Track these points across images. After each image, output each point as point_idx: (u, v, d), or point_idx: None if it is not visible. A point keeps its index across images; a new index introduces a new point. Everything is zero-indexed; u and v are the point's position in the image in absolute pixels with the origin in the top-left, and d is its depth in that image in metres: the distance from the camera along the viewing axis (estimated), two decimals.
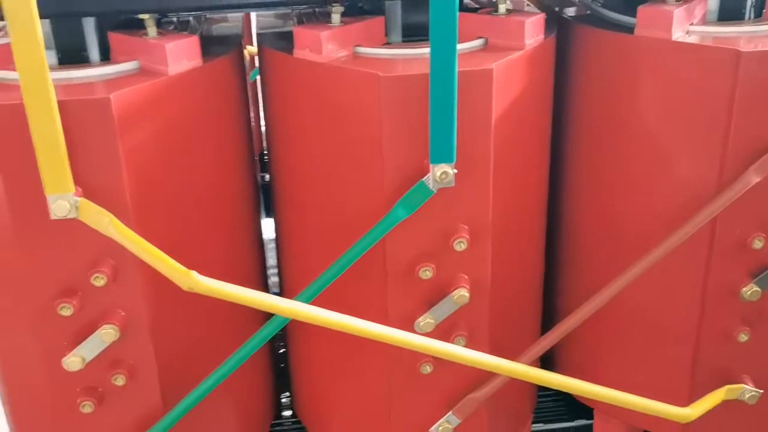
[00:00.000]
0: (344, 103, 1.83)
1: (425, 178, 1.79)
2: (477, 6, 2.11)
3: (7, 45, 1.78)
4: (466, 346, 1.99)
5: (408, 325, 1.94)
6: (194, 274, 1.66)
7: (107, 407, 1.93)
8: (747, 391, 2.15)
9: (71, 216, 1.65)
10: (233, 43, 2.03)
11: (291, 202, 2.10)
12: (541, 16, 1.96)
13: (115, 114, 1.66)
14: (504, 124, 1.85)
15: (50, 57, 1.72)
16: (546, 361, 2.37)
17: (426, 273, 1.91)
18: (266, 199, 2.40)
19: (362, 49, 1.88)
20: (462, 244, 1.89)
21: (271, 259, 2.39)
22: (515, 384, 2.18)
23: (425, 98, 1.70)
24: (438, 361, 2.02)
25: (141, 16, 1.81)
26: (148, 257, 1.66)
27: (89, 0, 1.80)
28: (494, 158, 1.86)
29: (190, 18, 2.11)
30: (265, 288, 2.36)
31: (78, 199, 1.65)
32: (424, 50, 1.82)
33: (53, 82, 1.54)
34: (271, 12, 2.38)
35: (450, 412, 2.11)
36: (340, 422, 2.30)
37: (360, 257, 1.86)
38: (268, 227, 2.35)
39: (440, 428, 2.12)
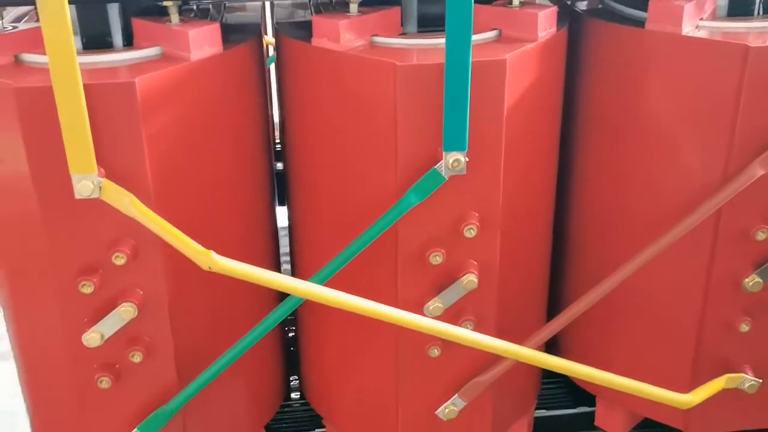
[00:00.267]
0: (360, 91, 1.87)
1: (438, 165, 1.83)
2: None
3: (33, 30, 1.86)
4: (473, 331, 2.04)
5: (417, 310, 1.98)
6: (213, 254, 1.71)
7: (124, 383, 1.98)
8: (747, 380, 2.19)
9: (94, 196, 1.70)
10: (253, 31, 2.07)
11: (305, 188, 2.15)
12: (553, 9, 2.00)
13: (139, 98, 1.70)
14: (516, 114, 1.89)
15: (75, 42, 1.76)
16: (551, 348, 2.41)
17: (436, 258, 1.95)
18: (278, 188, 2.45)
19: (379, 39, 1.92)
20: (472, 231, 1.93)
21: (283, 247, 2.44)
22: (520, 370, 2.23)
23: (440, 87, 1.74)
24: (445, 345, 2.07)
25: (164, 3, 1.85)
26: (169, 237, 1.72)
27: None
28: (505, 147, 1.90)
29: (210, 6, 2.16)
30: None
31: (101, 179, 1.70)
32: (440, 40, 1.86)
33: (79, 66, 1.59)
34: (289, 2, 2.44)
35: (456, 395, 2.15)
36: (348, 404, 2.35)
37: (372, 242, 1.90)
38: (280, 215, 2.40)
39: (446, 410, 2.16)
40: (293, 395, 2.66)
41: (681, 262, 2.10)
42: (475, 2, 1.68)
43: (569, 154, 2.30)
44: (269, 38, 2.81)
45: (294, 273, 2.33)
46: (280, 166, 2.36)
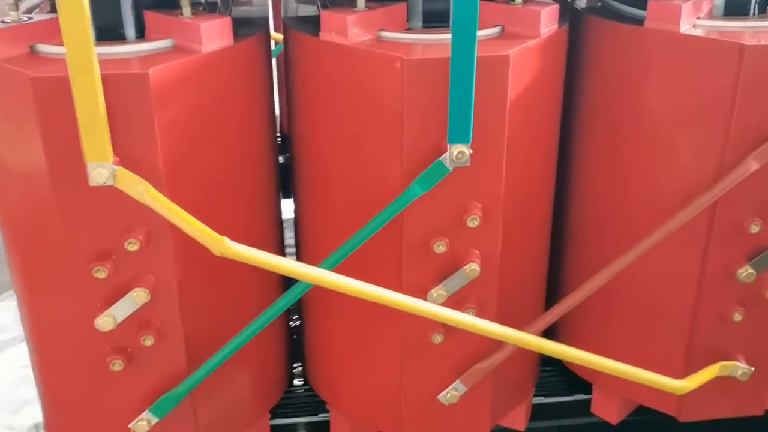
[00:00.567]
0: (368, 85, 1.91)
1: (442, 157, 1.87)
2: None
3: (47, 21, 1.91)
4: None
5: (421, 297, 2.02)
6: (226, 239, 1.76)
7: (136, 366, 2.02)
8: (739, 368, 2.25)
9: (109, 183, 1.73)
10: (261, 25, 2.12)
11: (312, 179, 2.20)
12: (555, 7, 2.05)
13: (153, 88, 1.75)
14: (518, 108, 1.94)
15: None
16: (549, 336, 2.45)
17: (440, 247, 2.00)
18: (282, 180, 2.50)
19: (385, 34, 1.97)
20: (475, 221, 1.98)
21: (287, 239, 2.49)
22: (518, 358, 2.28)
23: (445, 81, 1.79)
24: (448, 332, 2.12)
25: None
26: (183, 223, 1.76)
27: None
28: (508, 140, 1.95)
29: (218, 0, 2.21)
30: None
31: (116, 167, 1.73)
32: (445, 36, 1.91)
33: None
34: None
35: (458, 381, 2.20)
36: (352, 389, 2.40)
37: (378, 231, 1.96)
38: (284, 207, 2.45)
39: (448, 395, 2.21)
40: (296, 382, 2.70)
41: (676, 253, 2.16)
42: None
43: (569, 148, 2.35)
44: (273, 33, 2.86)
45: (300, 261, 2.39)
46: (280, 158, 2.41)
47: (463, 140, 1.85)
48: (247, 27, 2.08)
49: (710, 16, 2.10)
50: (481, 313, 2.09)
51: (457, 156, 1.86)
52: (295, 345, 2.64)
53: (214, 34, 1.88)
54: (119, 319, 1.92)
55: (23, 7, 2.12)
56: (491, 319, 2.10)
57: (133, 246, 1.86)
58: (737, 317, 2.20)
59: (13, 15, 1.89)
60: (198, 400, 2.16)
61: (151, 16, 1.96)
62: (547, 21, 2.01)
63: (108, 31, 1.94)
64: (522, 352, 2.27)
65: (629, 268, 2.12)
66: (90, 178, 1.73)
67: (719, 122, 1.99)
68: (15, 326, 3.89)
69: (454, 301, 2.07)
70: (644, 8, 2.06)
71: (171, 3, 2.00)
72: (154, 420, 2.08)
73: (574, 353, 2.17)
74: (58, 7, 1.58)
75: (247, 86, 2.03)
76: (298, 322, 2.67)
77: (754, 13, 2.13)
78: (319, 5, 2.15)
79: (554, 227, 2.41)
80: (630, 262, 2.11)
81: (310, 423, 2.58)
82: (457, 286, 2.05)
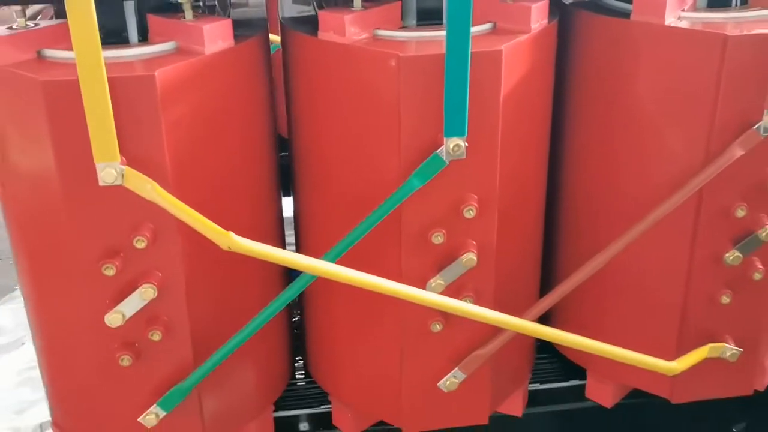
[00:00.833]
0: (366, 82, 1.97)
1: (439, 150, 1.93)
2: None
3: (53, 27, 1.96)
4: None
5: (420, 287, 2.08)
6: (232, 234, 1.82)
7: (144, 361, 2.07)
8: (728, 349, 2.31)
9: (117, 183, 1.79)
10: (260, 26, 2.17)
11: (312, 174, 2.25)
12: (545, 2, 2.11)
13: (159, 89, 1.80)
14: (511, 102, 2.00)
15: None
16: (544, 322, 2.51)
17: (438, 238, 2.06)
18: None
19: (381, 32, 2.03)
20: (471, 212, 2.03)
21: (287, 238, 2.54)
22: (515, 345, 2.34)
23: (440, 77, 1.85)
24: (447, 321, 2.18)
25: (180, 0, 1.96)
26: (190, 219, 1.82)
27: None
28: (502, 132, 2.01)
29: (216, 3, 2.26)
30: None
31: (124, 167, 1.79)
32: (439, 33, 1.98)
33: None
34: None
35: (456, 368, 2.25)
36: (353, 380, 2.45)
37: (378, 223, 2.01)
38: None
39: (447, 383, 2.27)
40: (298, 375, 2.76)
41: (666, 238, 2.22)
42: None
43: (561, 139, 2.41)
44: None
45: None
46: None
47: (459, 133, 1.91)
48: (245, 28, 2.13)
49: (694, 8, 2.17)
50: (478, 302, 2.14)
51: (453, 149, 1.92)
52: (296, 339, 2.69)
53: (216, 36, 1.94)
54: (128, 315, 1.97)
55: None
56: (488, 306, 2.15)
57: (140, 243, 1.91)
58: (725, 300, 2.26)
59: (20, 21, 1.94)
60: (204, 394, 2.20)
61: (153, 20, 2.01)
62: (538, 16, 2.07)
63: (112, 34, 1.99)
64: (518, 340, 2.34)
65: (621, 254, 2.18)
66: (99, 178, 1.79)
67: (705, 111, 2.06)
68: (16, 329, 3.94)
69: (452, 291, 2.12)
70: (630, 2, 2.13)
71: (171, 7, 2.06)
72: (162, 413, 2.13)
73: (568, 337, 2.23)
74: (68, 15, 1.63)
75: (248, 86, 2.09)
76: (298, 318, 2.72)
77: (736, 5, 2.20)
78: (315, 6, 2.21)
79: (548, 216, 2.46)
80: (621, 248, 2.17)
81: (312, 414, 2.64)
82: (455, 276, 2.11)
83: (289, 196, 2.49)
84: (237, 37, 2.02)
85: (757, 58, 1.99)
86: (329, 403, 2.58)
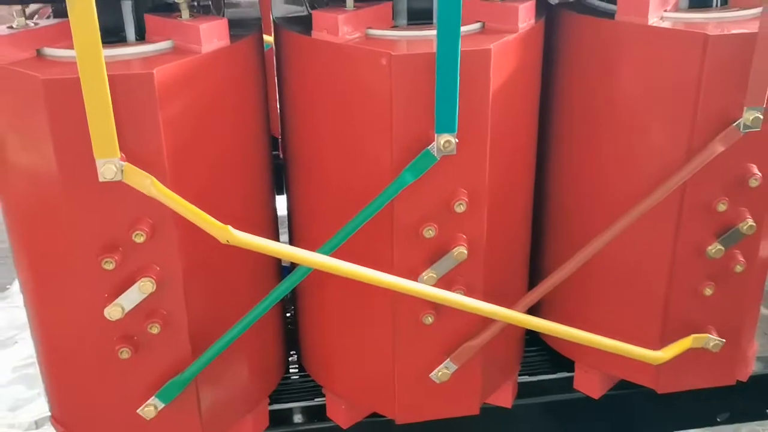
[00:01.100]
0: (358, 79, 2.02)
1: (430, 146, 1.98)
2: None
3: (52, 26, 2.00)
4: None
5: (412, 280, 2.12)
6: (231, 228, 1.87)
7: (142, 354, 2.10)
8: (711, 340, 2.37)
9: (117, 178, 1.83)
10: (254, 25, 2.22)
11: (305, 172, 2.30)
12: (532, 2, 2.16)
13: (157, 87, 1.84)
14: (500, 99, 2.05)
15: None
16: (533, 314, 2.57)
17: (429, 232, 2.10)
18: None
19: (373, 31, 2.08)
20: (461, 207, 2.08)
21: (281, 236, 2.58)
22: (505, 337, 2.40)
23: (431, 75, 1.90)
24: (438, 313, 2.23)
25: (177, 0, 2.01)
26: (189, 214, 1.86)
27: None
28: (491, 129, 2.06)
29: (210, 3, 2.31)
30: (277, 260, 2.51)
31: (123, 163, 1.84)
32: (429, 32, 2.04)
33: None
34: None
35: (448, 359, 2.30)
36: (347, 373, 2.50)
37: (371, 218, 2.06)
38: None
39: (439, 373, 2.32)
40: (292, 369, 2.80)
41: (650, 232, 2.27)
42: None
43: (549, 135, 2.46)
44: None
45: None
46: None
47: (450, 130, 1.96)
48: (239, 28, 2.17)
49: (676, 8, 2.22)
50: (469, 294, 2.18)
51: (444, 145, 1.97)
52: (290, 335, 2.74)
53: (212, 35, 1.98)
54: (127, 309, 2.00)
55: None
56: (479, 299, 2.20)
57: (139, 238, 1.94)
58: (708, 291, 2.31)
59: (19, 21, 1.98)
60: (202, 386, 2.24)
61: (150, 19, 2.05)
62: (525, 16, 2.13)
63: (110, 33, 2.02)
64: (508, 332, 2.39)
65: (606, 248, 2.23)
66: (99, 174, 1.82)
67: (687, 108, 2.11)
68: (9, 329, 3.97)
69: (444, 283, 2.16)
70: (615, 2, 2.18)
71: (169, 7, 2.10)
72: (161, 405, 2.16)
73: (557, 328, 2.28)
74: (69, 14, 1.67)
75: (243, 83, 2.14)
76: (292, 313, 2.77)
77: (716, 5, 2.26)
78: (308, 6, 2.26)
79: (536, 210, 2.51)
80: (607, 241, 2.22)
81: (306, 407, 2.67)
82: (446, 269, 2.15)
83: (282, 195, 2.55)
84: (232, 37, 2.07)
85: (736, 57, 2.04)
86: (323, 396, 2.62)
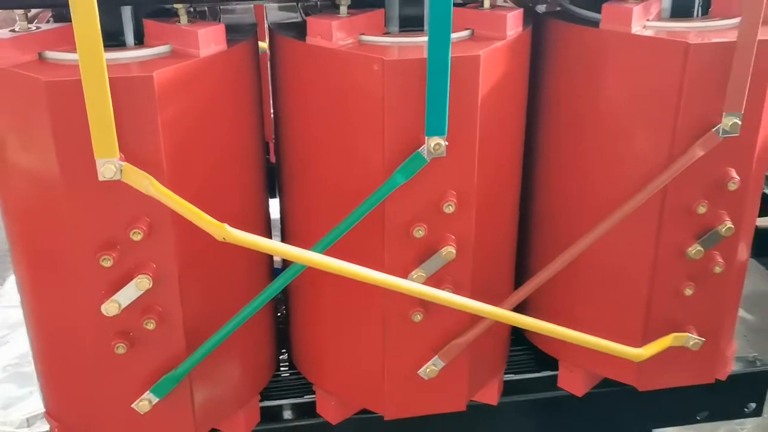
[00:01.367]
0: (351, 84, 2.07)
1: (421, 148, 2.03)
2: (463, 1, 2.38)
3: (53, 30, 2.05)
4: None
5: (402, 278, 2.19)
6: (227, 226, 1.92)
7: (138, 349, 2.15)
8: (691, 338, 2.43)
9: (116, 178, 1.87)
10: (250, 31, 2.27)
11: (299, 174, 2.35)
12: (520, 11, 2.23)
13: (157, 90, 1.89)
14: (488, 103, 2.11)
15: None
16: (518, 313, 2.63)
17: (419, 232, 2.15)
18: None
19: (366, 37, 2.13)
20: (450, 207, 2.13)
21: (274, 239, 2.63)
22: (491, 336, 2.46)
23: (422, 80, 1.96)
24: (427, 311, 2.28)
25: (175, 6, 2.06)
26: (187, 212, 1.91)
27: None
28: (479, 132, 2.11)
29: (206, 9, 2.37)
30: (270, 259, 2.59)
31: (123, 163, 1.89)
32: (420, 38, 2.10)
33: None
34: (276, 5, 2.64)
35: (436, 356, 2.35)
36: (337, 370, 2.54)
37: (363, 218, 2.11)
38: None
39: (428, 370, 2.37)
40: (283, 367, 2.86)
41: (633, 233, 2.33)
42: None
43: (535, 139, 2.52)
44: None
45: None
46: None
47: (440, 133, 2.01)
48: (235, 33, 2.22)
49: (659, 17, 2.29)
50: (457, 292, 2.23)
51: (434, 147, 2.03)
52: (281, 334, 2.79)
53: (210, 40, 2.04)
54: (124, 305, 2.04)
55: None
56: (466, 297, 2.26)
57: (137, 236, 1.98)
58: (688, 292, 2.38)
59: (22, 24, 2.03)
60: (195, 382, 2.29)
61: (149, 24, 2.10)
62: (513, 24, 2.19)
63: (110, 37, 2.07)
64: (494, 331, 2.46)
65: (591, 248, 2.30)
66: (99, 173, 1.87)
67: (668, 114, 2.18)
68: (1, 327, 3.99)
69: (433, 282, 2.21)
70: (599, 11, 2.24)
71: (166, 12, 2.16)
72: (155, 400, 2.21)
73: (542, 325, 2.34)
74: (73, 19, 1.72)
75: (239, 86, 2.19)
76: (283, 313, 2.82)
77: (698, 15, 2.33)
78: (302, 12, 2.32)
79: (523, 211, 2.57)
80: (591, 242, 2.28)
81: (296, 404, 2.72)
82: (435, 268, 2.21)
83: (274, 198, 2.60)
84: (228, 41, 2.12)
85: (716, 65, 2.11)
86: (313, 393, 2.66)
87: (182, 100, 2.00)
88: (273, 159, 2.64)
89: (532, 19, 2.37)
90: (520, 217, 2.58)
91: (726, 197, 2.29)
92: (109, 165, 1.88)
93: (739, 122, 2.14)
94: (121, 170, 1.89)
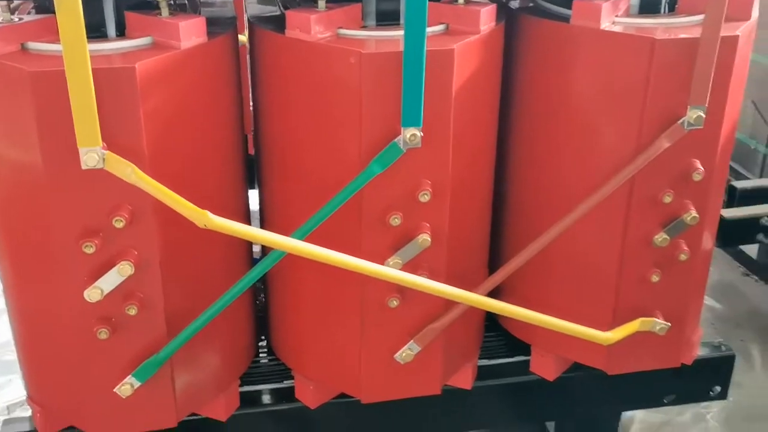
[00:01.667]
0: (330, 77, 2.12)
1: (397, 139, 2.09)
2: None
3: (36, 21, 2.09)
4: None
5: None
6: (209, 213, 1.97)
7: (120, 335, 2.19)
8: (657, 323, 2.51)
9: (99, 166, 1.91)
10: (230, 24, 2.32)
11: (278, 165, 2.40)
12: (493, 6, 2.29)
13: (138, 81, 1.94)
14: (462, 96, 2.17)
15: None
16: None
17: (395, 221, 2.21)
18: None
19: (344, 31, 2.18)
20: (425, 196, 2.19)
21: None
22: (465, 322, 2.53)
23: (398, 72, 2.01)
24: (403, 296, 2.34)
25: None
26: (169, 200, 1.96)
27: None
28: (453, 124, 2.18)
29: (186, 2, 2.40)
30: (249, 248, 2.65)
31: (105, 152, 1.93)
32: (396, 32, 2.15)
33: None
34: None
35: (412, 341, 2.42)
36: (316, 355, 2.60)
37: (340, 206, 2.17)
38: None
39: (403, 354, 2.43)
40: (262, 354, 2.90)
41: (602, 222, 2.40)
42: None
43: (509, 131, 2.59)
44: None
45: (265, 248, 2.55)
46: None
47: (415, 124, 2.08)
48: (215, 26, 2.25)
49: (627, 14, 2.36)
50: (432, 279, 2.29)
51: (409, 138, 2.09)
52: (260, 322, 2.84)
53: (191, 32, 2.08)
54: (106, 291, 2.08)
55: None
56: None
57: (119, 223, 2.03)
58: (655, 278, 2.45)
59: (4, 16, 2.06)
60: (176, 367, 2.34)
61: (131, 17, 2.14)
62: (486, 19, 2.25)
63: (92, 29, 2.10)
64: (468, 318, 2.53)
65: (561, 237, 2.37)
66: (82, 162, 1.91)
67: (636, 107, 2.25)
68: None
69: (408, 269, 2.27)
70: (570, 7, 2.31)
71: (147, 5, 2.20)
72: (137, 384, 2.26)
73: (515, 310, 2.41)
74: (57, 11, 1.75)
75: (219, 78, 2.23)
76: (262, 301, 2.87)
77: (664, 11, 2.40)
78: (281, 6, 2.37)
79: (496, 201, 2.64)
80: (562, 231, 2.35)
81: (275, 389, 2.77)
82: (411, 255, 2.27)
83: (253, 189, 2.65)
84: (209, 34, 2.17)
85: (681, 60, 2.18)
86: (292, 378, 2.71)
87: (163, 91, 2.04)
88: (252, 151, 2.69)
89: (505, 14, 2.43)
90: (494, 206, 2.65)
91: (691, 187, 2.37)
92: (92, 153, 1.92)
93: (703, 115, 2.21)
94: (104, 159, 1.93)
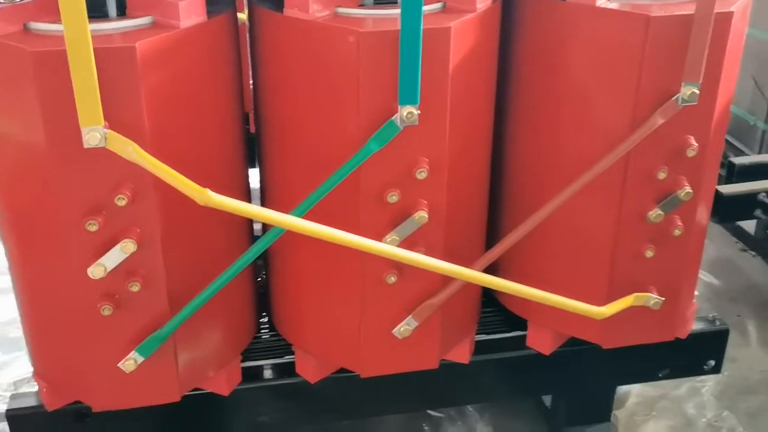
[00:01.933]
0: (328, 55, 2.15)
1: (394, 117, 2.12)
2: None
3: (37, 1, 2.11)
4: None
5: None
6: (209, 191, 2.00)
7: (123, 311, 2.23)
8: (651, 298, 2.55)
9: (101, 145, 1.94)
10: (229, 3, 2.34)
11: (277, 143, 2.43)
12: None
13: (139, 60, 1.96)
14: (459, 74, 2.19)
15: None
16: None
17: (393, 198, 2.24)
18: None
19: (342, 10, 2.20)
20: (423, 174, 2.22)
21: None
22: (463, 297, 2.57)
23: (396, 51, 2.04)
24: (401, 273, 2.38)
25: None
26: (170, 178, 1.99)
27: None
28: (450, 101, 2.20)
29: None
30: (250, 225, 2.69)
31: (107, 130, 1.95)
32: (394, 11, 2.17)
33: None
34: None
35: (410, 316, 2.46)
36: (316, 331, 2.64)
37: (339, 184, 2.20)
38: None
39: (402, 329, 2.47)
40: (263, 330, 2.94)
41: (597, 197, 2.43)
42: None
43: (506, 108, 2.61)
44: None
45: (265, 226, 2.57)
46: None
47: (412, 102, 2.10)
48: (214, 5, 2.26)
49: None
50: (429, 255, 2.33)
51: (407, 116, 2.11)
52: (261, 298, 2.88)
53: (190, 12, 2.10)
54: (109, 268, 2.12)
55: None
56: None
57: (121, 201, 2.06)
58: (649, 254, 2.49)
59: None
60: (179, 342, 2.38)
61: None
62: None
63: (93, 8, 2.12)
64: (466, 293, 2.57)
65: (557, 212, 2.40)
66: (84, 141, 1.94)
67: (631, 83, 2.27)
68: None
69: (406, 245, 2.30)
70: None
71: None
72: (140, 359, 2.30)
73: (511, 286, 2.45)
74: None
75: (218, 57, 2.26)
76: (263, 278, 2.91)
77: None
78: None
79: (493, 177, 2.66)
80: (558, 206, 2.38)
81: (276, 364, 2.82)
82: (408, 232, 2.30)
83: (253, 168, 2.68)
84: (208, 13, 2.18)
85: (676, 37, 2.20)
86: (292, 353, 2.76)
87: (164, 70, 2.07)
88: (252, 129, 2.72)
89: None
90: (492, 183, 2.68)
91: (685, 163, 2.40)
92: (94, 132, 1.94)
93: (697, 91, 2.24)
94: (106, 137, 1.96)
